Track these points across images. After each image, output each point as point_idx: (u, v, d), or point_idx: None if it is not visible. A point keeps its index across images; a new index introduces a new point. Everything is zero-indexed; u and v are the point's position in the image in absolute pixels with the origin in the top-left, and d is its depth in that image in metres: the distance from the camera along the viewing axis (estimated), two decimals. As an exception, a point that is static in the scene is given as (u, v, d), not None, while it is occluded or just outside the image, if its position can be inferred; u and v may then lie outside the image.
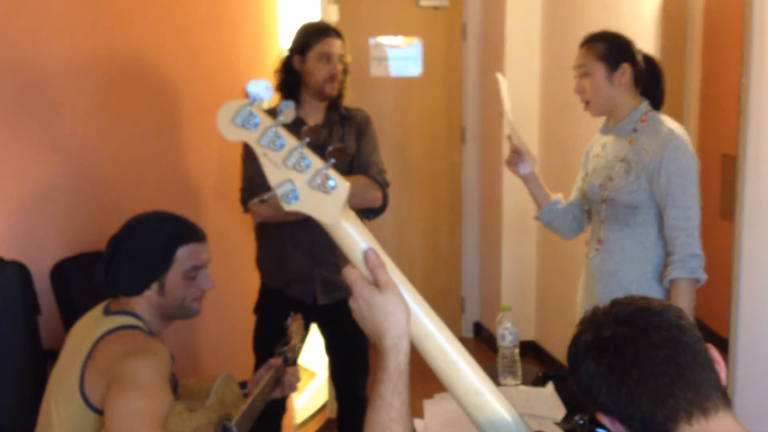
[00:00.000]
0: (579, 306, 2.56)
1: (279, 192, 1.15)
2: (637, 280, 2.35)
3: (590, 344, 1.17)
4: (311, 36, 2.76)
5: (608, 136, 2.49)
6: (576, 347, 1.20)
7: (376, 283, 1.20)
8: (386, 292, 1.19)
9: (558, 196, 2.67)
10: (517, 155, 2.60)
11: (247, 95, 1.14)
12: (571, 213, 2.65)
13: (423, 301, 1.24)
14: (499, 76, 2.66)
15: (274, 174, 1.15)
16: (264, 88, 1.12)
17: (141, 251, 1.86)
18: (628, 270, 2.37)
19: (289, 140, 1.15)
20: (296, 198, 1.15)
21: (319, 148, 3.06)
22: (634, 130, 2.38)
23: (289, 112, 1.14)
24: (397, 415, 1.17)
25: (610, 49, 2.39)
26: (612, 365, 1.14)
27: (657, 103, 2.43)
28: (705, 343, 1.16)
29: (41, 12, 2.23)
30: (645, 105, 2.40)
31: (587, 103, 2.44)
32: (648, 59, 2.43)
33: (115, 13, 2.54)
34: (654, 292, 2.32)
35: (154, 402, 1.59)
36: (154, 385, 1.62)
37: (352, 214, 1.21)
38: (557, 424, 1.96)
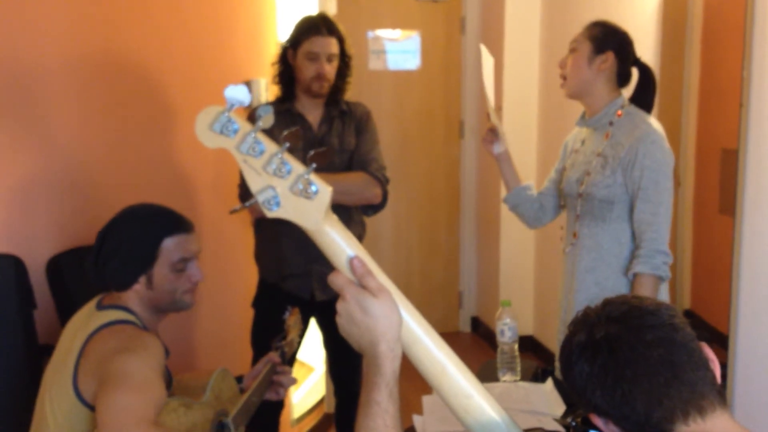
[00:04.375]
0: (559, 303, 2.56)
1: (260, 199, 1.13)
2: (613, 276, 2.34)
3: (583, 345, 1.15)
4: (302, 33, 2.73)
5: (587, 132, 2.48)
6: (569, 348, 1.18)
7: (366, 289, 1.17)
8: (380, 296, 1.16)
9: (529, 183, 2.67)
10: (492, 133, 2.60)
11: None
12: (540, 202, 2.65)
13: (410, 305, 1.21)
14: (484, 49, 2.64)
15: (255, 180, 1.13)
16: (243, 94, 1.10)
17: (126, 245, 1.83)
18: (604, 266, 2.36)
19: (269, 146, 1.12)
20: (278, 204, 1.13)
21: (317, 143, 3.06)
22: (610, 123, 2.37)
23: (268, 118, 1.12)
24: (392, 422, 1.15)
25: (604, 34, 2.39)
26: (606, 366, 1.12)
27: (646, 110, 2.42)
28: (699, 341, 1.15)
29: (34, 7, 2.21)
30: (622, 99, 2.39)
31: (564, 78, 2.45)
32: (643, 67, 2.42)
33: (110, 6, 2.52)
34: (629, 288, 2.31)
35: (144, 398, 1.57)
36: (145, 381, 1.60)
37: (335, 219, 1.19)
38: (557, 420, 1.95)
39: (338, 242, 1.18)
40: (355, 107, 2.85)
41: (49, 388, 1.74)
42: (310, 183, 1.13)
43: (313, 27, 2.73)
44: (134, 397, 1.56)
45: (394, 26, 5.06)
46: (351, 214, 2.78)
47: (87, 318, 1.81)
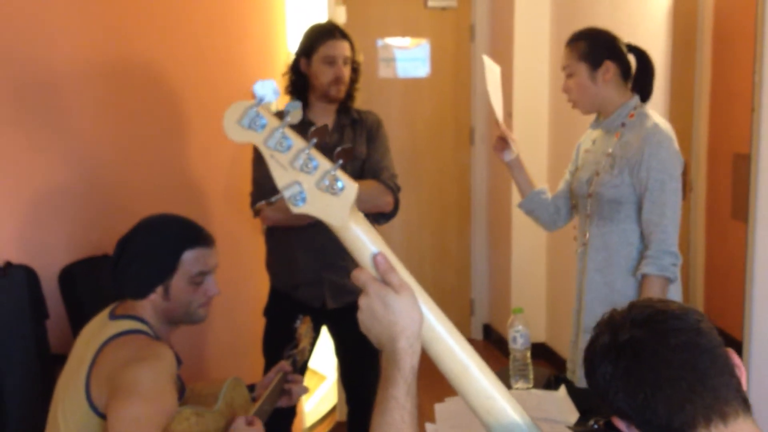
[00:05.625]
0: (573, 306, 2.55)
1: (286, 194, 1.12)
2: (622, 277, 2.33)
3: (607, 347, 1.14)
4: (316, 39, 2.74)
5: (599, 133, 2.48)
6: (593, 350, 1.17)
7: (388, 285, 1.17)
8: (402, 292, 1.16)
9: (543, 186, 2.67)
10: (503, 141, 2.59)
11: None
12: (555, 204, 2.65)
13: (433, 303, 1.21)
14: (487, 60, 2.64)
15: (281, 176, 1.13)
16: (271, 89, 1.10)
17: (146, 254, 1.84)
18: (613, 266, 2.35)
19: (297, 141, 1.12)
20: (304, 200, 1.12)
21: (329, 150, 3.06)
22: (622, 125, 2.37)
23: (296, 113, 1.12)
24: (409, 419, 1.15)
25: (592, 47, 2.38)
26: (629, 369, 1.11)
27: (645, 95, 2.41)
28: (725, 347, 1.14)
29: (52, 14, 2.23)
30: (635, 100, 2.38)
31: (574, 102, 2.45)
32: (638, 51, 2.41)
33: (124, 16, 2.53)
34: (637, 288, 2.30)
35: (155, 408, 1.57)
36: (156, 391, 1.60)
37: (361, 216, 1.19)
38: (570, 427, 1.94)
39: (362, 239, 1.17)
40: (366, 115, 2.86)
41: (62, 398, 1.74)
42: (336, 179, 1.12)
43: (327, 32, 2.75)
44: (146, 407, 1.56)
45: (403, 34, 5.06)
46: (363, 222, 2.77)
47: (100, 327, 1.82)
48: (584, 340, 2.37)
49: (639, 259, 2.31)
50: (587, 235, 2.43)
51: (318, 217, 1.14)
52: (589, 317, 2.35)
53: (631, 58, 2.40)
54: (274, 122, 1.12)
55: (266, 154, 1.13)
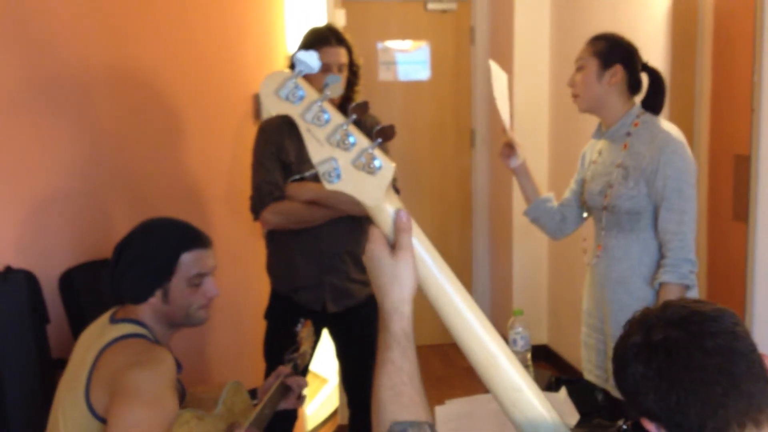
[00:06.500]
0: (586, 313, 2.53)
1: (321, 170, 1.10)
2: (645, 286, 2.32)
3: (639, 346, 1.12)
4: (311, 45, 2.72)
5: (603, 142, 2.46)
6: (624, 348, 1.15)
7: (394, 245, 1.16)
8: (397, 256, 1.15)
9: (548, 195, 2.66)
10: (509, 148, 2.59)
11: (294, 65, 1.06)
12: (561, 213, 2.63)
13: (464, 291, 1.20)
14: (494, 65, 2.63)
15: (316, 151, 1.11)
16: (314, 59, 1.08)
17: (144, 258, 1.84)
18: (635, 276, 2.34)
19: (335, 116, 1.10)
20: (338, 177, 1.11)
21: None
22: (628, 134, 2.36)
23: (336, 87, 1.09)
24: (408, 380, 1.13)
25: (608, 48, 2.38)
26: (661, 370, 1.09)
27: (654, 112, 2.40)
28: (760, 353, 1.12)
29: (50, 19, 2.23)
30: (636, 108, 2.38)
31: (575, 96, 2.45)
32: (652, 71, 2.40)
33: (123, 22, 2.53)
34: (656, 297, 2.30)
35: (156, 413, 1.57)
36: (157, 396, 1.60)
37: (395, 198, 1.17)
38: (571, 429, 1.94)
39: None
40: (365, 118, 2.85)
41: (63, 402, 1.74)
42: (373, 158, 1.10)
43: (323, 38, 2.73)
44: (146, 412, 1.56)
45: (403, 37, 5.06)
46: (363, 225, 2.77)
47: (100, 331, 1.81)
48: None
49: (657, 268, 2.30)
50: (602, 246, 2.41)
51: (352, 195, 1.12)
52: (616, 328, 2.33)
53: (644, 77, 2.40)
54: (313, 95, 1.11)
55: (302, 127, 1.11)
